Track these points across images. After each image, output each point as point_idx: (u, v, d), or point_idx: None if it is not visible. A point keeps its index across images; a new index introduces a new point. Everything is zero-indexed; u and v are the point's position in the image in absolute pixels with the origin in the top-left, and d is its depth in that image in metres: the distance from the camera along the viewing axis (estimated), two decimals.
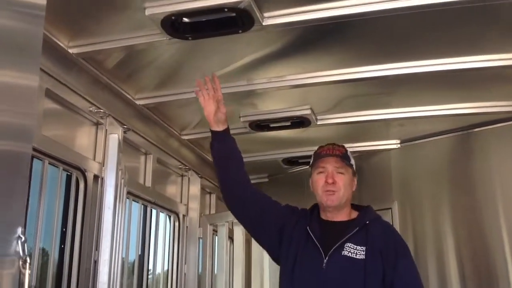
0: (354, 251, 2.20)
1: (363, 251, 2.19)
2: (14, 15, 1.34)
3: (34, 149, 2.38)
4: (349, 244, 2.22)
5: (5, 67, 1.30)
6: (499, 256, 3.45)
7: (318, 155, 2.37)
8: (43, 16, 1.45)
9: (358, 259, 2.18)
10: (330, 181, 2.30)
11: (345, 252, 2.20)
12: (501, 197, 3.53)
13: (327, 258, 2.20)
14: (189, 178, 4.22)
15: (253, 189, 2.47)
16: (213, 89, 2.46)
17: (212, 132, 2.47)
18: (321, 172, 2.35)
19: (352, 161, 2.40)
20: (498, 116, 3.49)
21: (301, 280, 2.23)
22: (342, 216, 2.35)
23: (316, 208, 2.42)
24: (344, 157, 2.35)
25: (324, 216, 2.37)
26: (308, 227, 2.31)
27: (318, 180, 2.34)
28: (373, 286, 2.16)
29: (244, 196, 2.43)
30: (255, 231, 2.51)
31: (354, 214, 2.36)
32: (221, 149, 2.46)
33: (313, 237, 2.27)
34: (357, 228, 2.25)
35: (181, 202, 4.16)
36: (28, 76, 1.40)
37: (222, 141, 2.46)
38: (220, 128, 2.45)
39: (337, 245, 2.21)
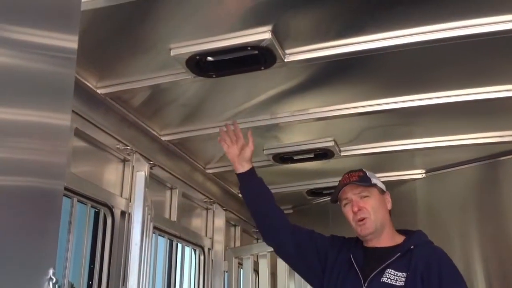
0: (394, 277, 2.13)
1: (403, 277, 2.12)
2: (48, 59, 1.39)
3: (64, 188, 2.42)
4: (389, 270, 2.15)
5: (39, 108, 1.33)
6: None
7: (338, 187, 2.35)
8: (74, 59, 1.49)
9: (397, 285, 2.11)
10: (355, 209, 2.26)
11: (384, 279, 2.14)
12: None
13: (366, 285, 2.16)
14: (214, 211, 4.22)
15: (289, 225, 2.47)
16: (235, 135, 2.54)
17: (238, 176, 2.51)
18: (346, 204, 2.32)
19: (375, 180, 2.34)
20: None
21: None
22: (385, 241, 2.29)
23: None
24: (362, 180, 2.30)
25: (366, 243, 2.32)
26: (351, 255, 2.28)
27: (348, 213, 2.31)
28: None
29: (283, 236, 2.43)
30: (298, 266, 2.51)
31: (400, 239, 2.29)
32: (250, 189, 2.51)
33: (355, 264, 2.24)
34: (399, 254, 2.19)
35: (206, 235, 4.16)
36: (61, 116, 1.42)
37: (248, 182, 2.50)
38: (245, 168, 2.49)
39: (376, 271, 2.16)
